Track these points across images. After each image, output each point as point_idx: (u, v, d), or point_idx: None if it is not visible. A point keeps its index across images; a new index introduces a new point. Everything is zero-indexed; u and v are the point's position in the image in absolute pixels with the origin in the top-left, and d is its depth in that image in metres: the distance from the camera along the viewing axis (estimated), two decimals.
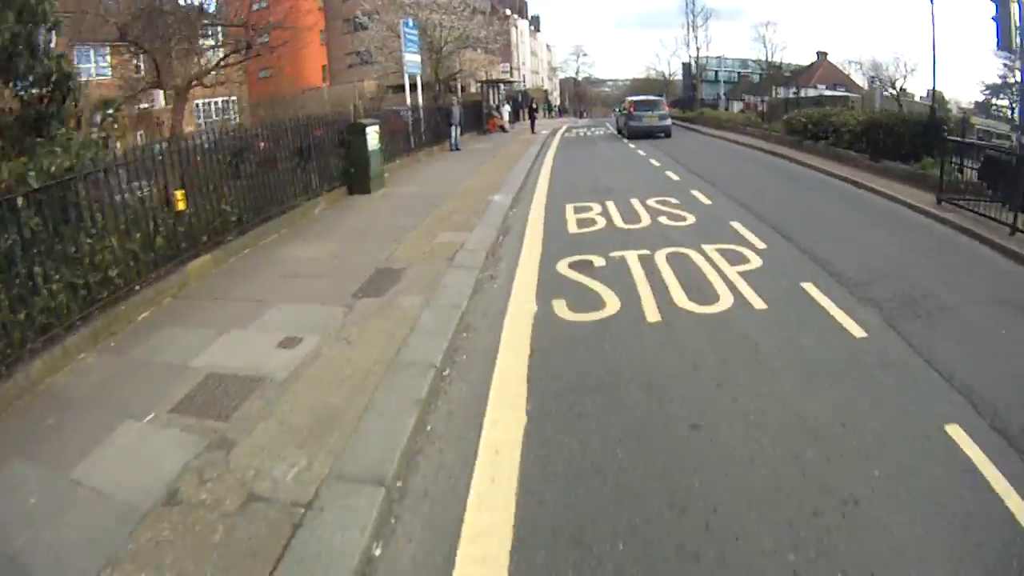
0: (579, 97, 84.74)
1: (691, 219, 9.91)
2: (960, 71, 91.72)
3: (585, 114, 71.30)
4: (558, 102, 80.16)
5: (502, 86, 35.64)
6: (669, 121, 27.00)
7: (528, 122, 31.63)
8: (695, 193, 12.14)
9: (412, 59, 22.03)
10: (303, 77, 46.52)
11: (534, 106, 32.27)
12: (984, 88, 63.85)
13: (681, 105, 48.06)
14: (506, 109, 32.69)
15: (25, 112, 6.83)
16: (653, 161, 17.60)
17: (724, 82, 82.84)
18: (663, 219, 9.94)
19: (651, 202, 11.32)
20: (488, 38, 28.35)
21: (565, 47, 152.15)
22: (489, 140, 26.83)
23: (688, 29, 43.90)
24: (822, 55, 68.86)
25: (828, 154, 17.09)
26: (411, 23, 22.20)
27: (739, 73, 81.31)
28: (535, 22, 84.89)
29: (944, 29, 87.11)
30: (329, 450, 3.78)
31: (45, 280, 5.27)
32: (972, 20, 39.73)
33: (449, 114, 21.96)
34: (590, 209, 10.95)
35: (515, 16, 72.25)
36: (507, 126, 32.20)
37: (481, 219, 10.30)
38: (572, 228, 9.70)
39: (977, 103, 63.31)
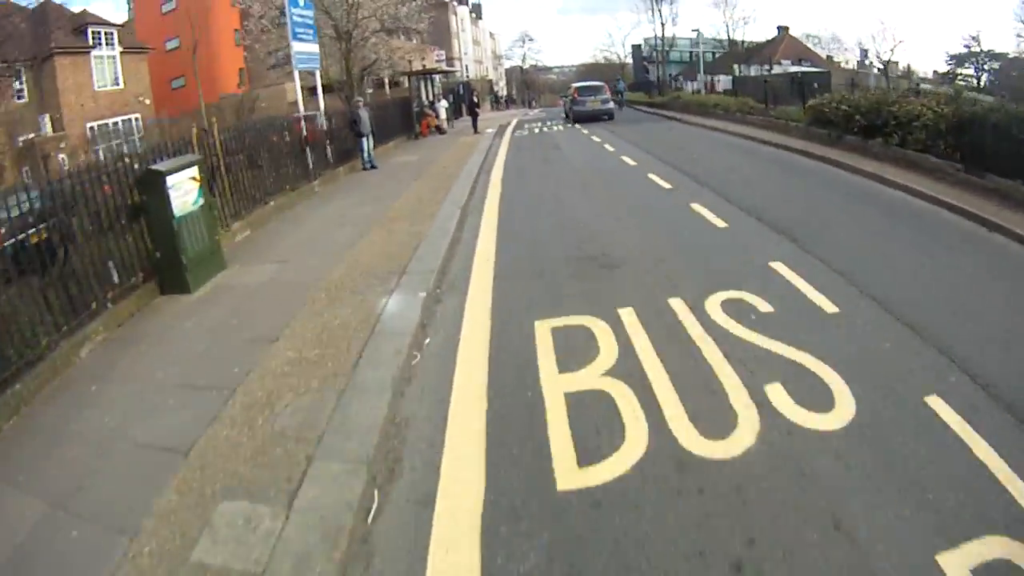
0: (527, 86, 78.23)
1: (845, 400, 3.97)
2: (917, 40, 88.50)
3: (535, 103, 64.97)
4: (505, 92, 73.59)
5: (437, 78, 29.10)
6: (611, 104, 27.22)
7: (470, 120, 25.20)
8: (783, 272, 6.19)
9: (304, 49, 15.61)
10: (218, 83, 39.50)
11: (475, 100, 25.76)
12: (948, 58, 60.74)
13: (645, 88, 42.19)
14: (443, 105, 26.26)
15: None
16: (657, 179, 11.51)
17: (676, 62, 78.43)
18: (780, 403, 3.97)
19: (714, 310, 5.37)
20: (410, 15, 21.82)
21: (509, 35, 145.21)
22: (419, 148, 20.54)
23: (652, 4, 37.86)
24: (783, 29, 64.07)
25: (891, 158, 11.54)
26: (300, 2, 15.71)
27: (691, 52, 76.81)
28: (476, 9, 77.91)
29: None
30: None
31: None
32: None
33: (355, 121, 15.60)
34: (590, 349, 4.90)
35: (454, 2, 65.33)
36: (445, 126, 25.91)
37: (342, 398, 4.29)
38: (561, 459, 3.63)
39: (937, 72, 59.82)
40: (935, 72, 60.71)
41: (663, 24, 38.34)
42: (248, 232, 9.99)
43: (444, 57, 36.81)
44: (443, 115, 26.00)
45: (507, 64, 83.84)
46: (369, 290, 6.50)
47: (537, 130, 25.27)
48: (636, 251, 7.18)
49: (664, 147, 15.98)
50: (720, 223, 8.15)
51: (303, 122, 14.34)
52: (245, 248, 9.08)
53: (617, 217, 8.92)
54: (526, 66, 78.94)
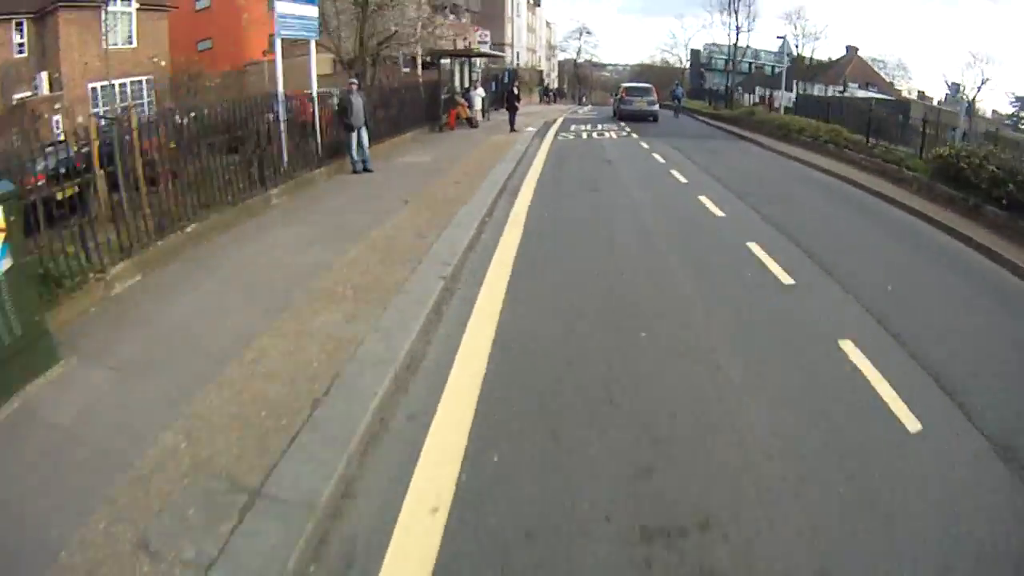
0: (579, 80, 73.37)
1: None
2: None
3: (585, 99, 60.23)
4: (556, 84, 68.81)
5: (478, 62, 24.87)
6: (656, 107, 27.23)
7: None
8: None
9: (292, 11, 11.71)
10: (246, 49, 35.67)
11: (516, 91, 21.44)
12: (1013, 99, 55.44)
13: (709, 97, 37.45)
14: (479, 94, 22.03)
15: None
16: (765, 258, 7.22)
17: (735, 73, 73.11)
18: None
19: None
20: None
21: (566, 26, 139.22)
22: (439, 144, 16.50)
23: (730, 7, 33.19)
24: (852, 49, 58.63)
25: None
26: None
27: (751, 64, 71.69)
28: None
29: (961, 37, 76.84)
30: None
31: None
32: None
33: (345, 110, 11.63)
34: None
35: None
36: (479, 118, 21.80)
37: None
38: None
39: (996, 112, 54.23)
40: (993, 111, 55.67)
41: (737, 29, 33.30)
42: (138, 278, 6.21)
43: (488, 39, 32.28)
44: (478, 105, 21.86)
45: (561, 56, 78.71)
46: (159, 559, 2.58)
47: (585, 135, 20.91)
48: (764, 496, 3.12)
49: (755, 188, 11.49)
50: (908, 420, 3.94)
51: (278, 107, 10.54)
52: (111, 315, 5.35)
53: (713, 348, 4.79)
54: (580, 60, 73.80)
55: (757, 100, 37.36)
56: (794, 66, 57.88)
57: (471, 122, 20.88)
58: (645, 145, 17.52)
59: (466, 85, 22.80)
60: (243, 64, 32.87)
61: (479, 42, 30.38)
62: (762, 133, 20.36)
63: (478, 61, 24.83)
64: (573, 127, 23.48)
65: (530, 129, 20.71)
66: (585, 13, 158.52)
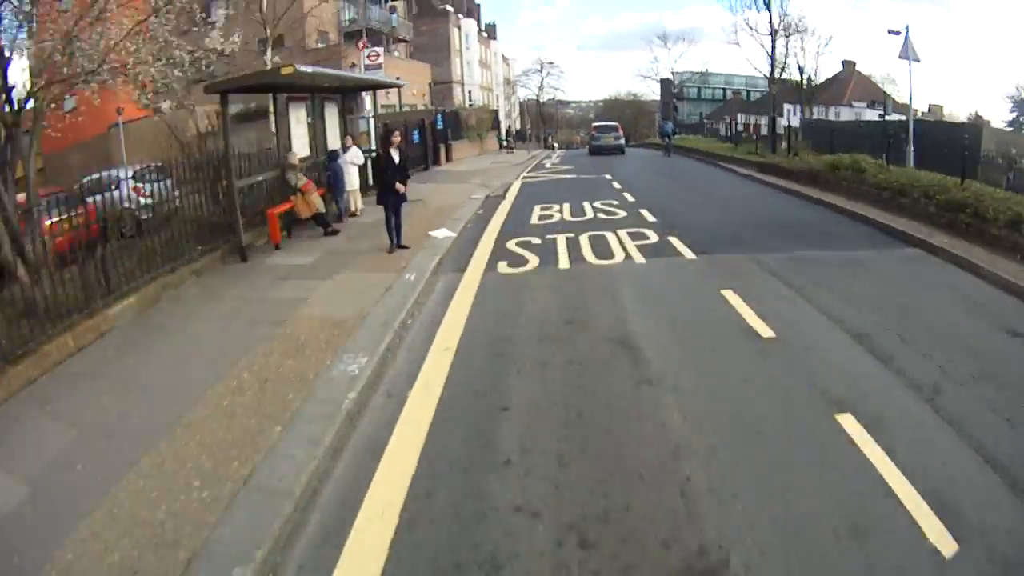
0: (543, 120, 63.14)
1: None
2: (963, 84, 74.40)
3: (552, 139, 49.56)
4: (517, 126, 58.41)
5: (366, 99, 13.59)
6: (622, 141, 28.31)
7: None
8: None
9: None
10: (117, 105, 23.91)
11: (392, 156, 8.09)
12: (1013, 106, 50.78)
13: (736, 140, 27.05)
14: (351, 161, 10.91)
15: None
16: None
17: (709, 100, 65.63)
18: None
19: None
20: None
21: (525, 63, 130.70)
22: (131, 364, 5.46)
23: (771, 37, 22.39)
24: (849, 64, 48.80)
25: None
26: None
27: (725, 90, 63.38)
28: (490, 30, 62.88)
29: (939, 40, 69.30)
30: None
31: None
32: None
33: None
34: None
35: (458, 15, 50.50)
36: (354, 208, 10.90)
37: None
38: None
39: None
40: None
41: (773, 32, 22.47)
42: None
43: (379, 60, 20.48)
44: (353, 183, 10.91)
45: (521, 93, 68.23)
46: None
47: (565, 244, 9.33)
48: None
49: None
50: None
51: None
52: None
53: None
54: (543, 98, 63.57)
55: (740, 129, 28.73)
56: (783, 87, 48.17)
57: (326, 225, 9.77)
58: (761, 327, 6.35)
59: (334, 146, 11.63)
60: (109, 125, 21.32)
61: (368, 66, 19.16)
62: (899, 212, 9.50)
63: (366, 99, 13.69)
64: (539, 212, 12.04)
65: (441, 235, 9.61)
66: (543, 53, 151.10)
